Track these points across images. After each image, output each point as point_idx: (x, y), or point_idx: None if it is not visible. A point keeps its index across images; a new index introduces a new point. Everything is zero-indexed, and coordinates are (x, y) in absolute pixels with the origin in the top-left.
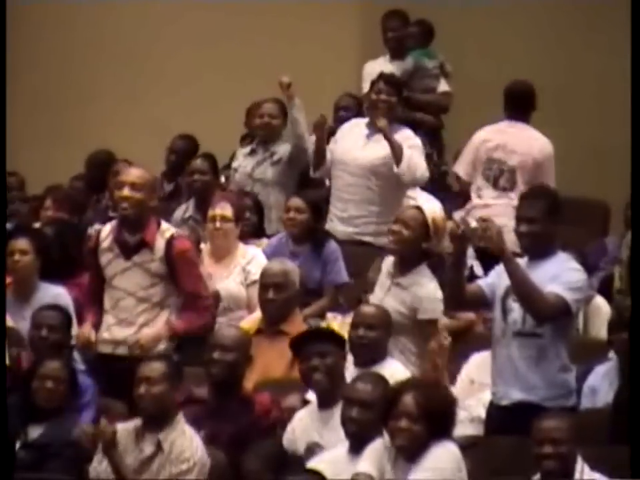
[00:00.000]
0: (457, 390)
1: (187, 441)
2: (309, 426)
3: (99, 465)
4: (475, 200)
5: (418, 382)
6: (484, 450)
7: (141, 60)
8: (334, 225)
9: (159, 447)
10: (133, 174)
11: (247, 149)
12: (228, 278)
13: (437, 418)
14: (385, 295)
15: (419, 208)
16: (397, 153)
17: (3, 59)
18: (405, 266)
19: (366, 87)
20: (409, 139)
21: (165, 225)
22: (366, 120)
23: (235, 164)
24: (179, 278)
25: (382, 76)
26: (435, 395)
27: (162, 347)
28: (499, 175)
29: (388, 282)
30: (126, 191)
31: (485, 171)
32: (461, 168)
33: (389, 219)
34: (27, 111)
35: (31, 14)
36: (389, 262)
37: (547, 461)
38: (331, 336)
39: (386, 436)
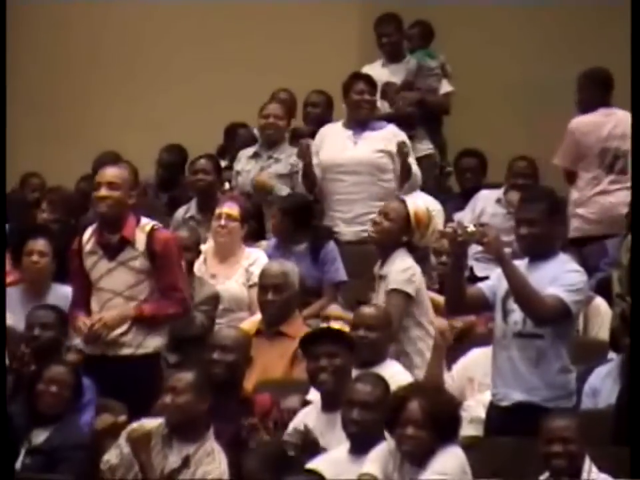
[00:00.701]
0: (453, 386)
1: (215, 462)
2: (312, 427)
3: (115, 459)
4: (588, 191)
5: (422, 388)
6: (484, 451)
7: (139, 60)
8: (339, 228)
9: (186, 461)
10: (110, 173)
11: (250, 152)
12: (230, 279)
13: (442, 424)
14: (378, 292)
15: (402, 201)
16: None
17: (2, 58)
18: (385, 258)
19: None
20: (396, 135)
21: (144, 220)
22: (340, 122)
23: (237, 166)
24: (158, 270)
25: (361, 76)
26: (439, 401)
27: (157, 344)
28: (613, 161)
29: (377, 277)
30: (103, 191)
31: (601, 161)
32: (564, 161)
33: None
34: (25, 111)
35: (28, 14)
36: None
37: (557, 460)
38: (341, 337)
39: (391, 440)
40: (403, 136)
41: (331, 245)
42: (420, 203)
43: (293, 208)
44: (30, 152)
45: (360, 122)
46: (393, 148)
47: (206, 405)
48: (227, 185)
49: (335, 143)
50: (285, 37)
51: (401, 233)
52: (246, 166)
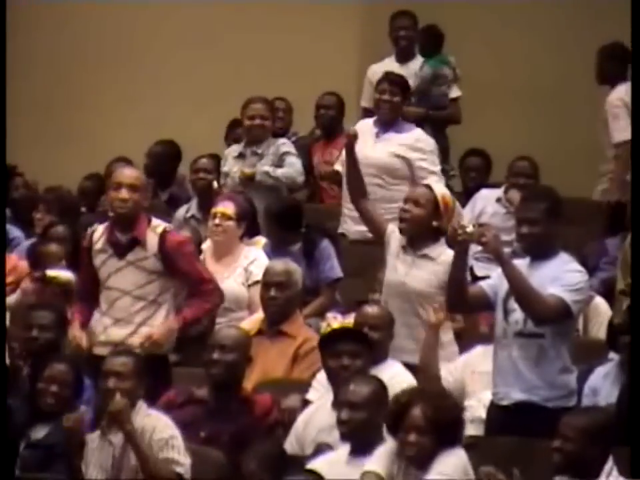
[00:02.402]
0: (453, 380)
1: (153, 420)
2: (321, 425)
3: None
4: None
5: (425, 392)
6: (484, 450)
7: (139, 60)
8: (348, 225)
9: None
10: (131, 175)
11: (235, 152)
12: (229, 278)
13: (445, 429)
14: (410, 269)
15: (428, 186)
16: None
17: (2, 59)
18: (422, 241)
19: (366, 91)
20: (419, 141)
21: (155, 221)
22: (373, 119)
23: (225, 168)
24: (180, 271)
25: (387, 75)
26: (443, 406)
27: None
28: None
29: (408, 256)
30: (124, 193)
31: None
32: (626, 134)
33: None
34: (24, 111)
35: (28, 14)
36: (399, 237)
37: (555, 455)
38: (363, 338)
39: (392, 441)
40: (426, 142)
41: (325, 242)
42: (445, 189)
43: (280, 212)
44: (28, 153)
45: (385, 121)
46: (412, 154)
47: (143, 390)
48: (214, 184)
49: (360, 139)
50: (285, 37)
51: (431, 218)
52: (233, 167)
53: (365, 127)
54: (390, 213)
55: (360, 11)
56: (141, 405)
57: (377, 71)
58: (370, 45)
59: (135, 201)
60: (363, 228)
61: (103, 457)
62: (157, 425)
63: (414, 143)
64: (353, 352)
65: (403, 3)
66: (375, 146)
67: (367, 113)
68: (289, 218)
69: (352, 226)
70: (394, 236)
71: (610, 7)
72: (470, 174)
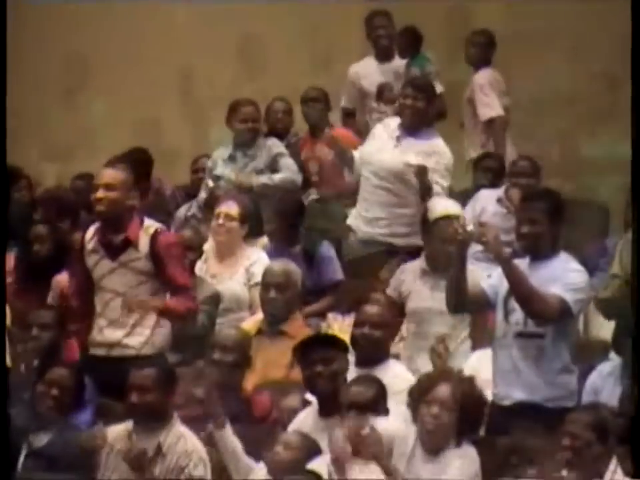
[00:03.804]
0: None
1: (188, 446)
2: (309, 432)
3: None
4: None
5: (457, 376)
6: (484, 450)
7: (138, 59)
8: (358, 223)
9: (158, 449)
10: (107, 175)
11: (225, 155)
12: (231, 279)
13: (468, 413)
14: (433, 292)
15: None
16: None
17: (2, 59)
18: (445, 268)
19: (347, 92)
20: (435, 152)
21: (148, 221)
22: (398, 120)
23: (217, 171)
24: (167, 272)
25: (411, 80)
26: (470, 391)
27: (161, 344)
28: None
29: (428, 280)
30: (100, 193)
31: None
32: (497, 110)
33: (412, 220)
34: (24, 111)
35: (28, 14)
36: (414, 266)
37: (563, 453)
38: (335, 341)
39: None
40: (443, 153)
41: (325, 245)
42: (458, 209)
43: (286, 210)
44: (28, 151)
45: (407, 126)
46: (426, 162)
47: (171, 397)
48: (210, 183)
49: (379, 140)
50: (284, 37)
51: None
52: (224, 170)
53: (389, 127)
54: (396, 217)
55: (360, 10)
56: (175, 421)
57: (358, 70)
58: (370, 45)
59: (111, 200)
60: (372, 230)
61: (124, 465)
62: (192, 457)
63: (430, 151)
64: (325, 358)
65: (402, 2)
66: (392, 150)
67: (347, 114)
68: (293, 216)
69: (362, 225)
70: (408, 268)
71: (609, 6)
72: (487, 175)
